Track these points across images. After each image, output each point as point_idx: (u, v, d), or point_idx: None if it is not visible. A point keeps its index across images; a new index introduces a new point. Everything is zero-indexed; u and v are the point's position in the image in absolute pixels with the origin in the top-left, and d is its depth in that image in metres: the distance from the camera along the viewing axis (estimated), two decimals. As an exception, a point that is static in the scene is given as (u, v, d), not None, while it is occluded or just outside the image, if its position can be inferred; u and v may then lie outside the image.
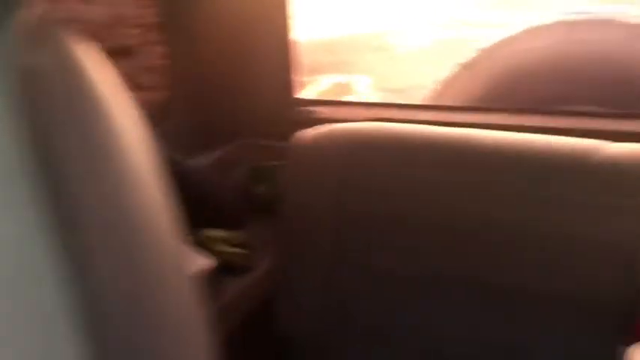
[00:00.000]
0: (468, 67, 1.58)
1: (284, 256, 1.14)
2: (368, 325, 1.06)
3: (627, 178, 0.92)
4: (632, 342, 0.78)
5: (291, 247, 1.13)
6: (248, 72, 1.43)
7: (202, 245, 1.18)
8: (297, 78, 1.46)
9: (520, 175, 0.97)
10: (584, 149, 0.96)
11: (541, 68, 1.53)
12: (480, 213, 0.99)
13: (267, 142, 1.48)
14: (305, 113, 1.43)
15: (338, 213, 1.07)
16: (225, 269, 1.15)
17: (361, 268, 1.06)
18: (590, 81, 1.43)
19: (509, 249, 0.97)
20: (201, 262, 1.07)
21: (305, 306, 1.11)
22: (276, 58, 1.40)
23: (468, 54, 1.64)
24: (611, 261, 0.91)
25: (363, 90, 3.35)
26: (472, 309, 0.99)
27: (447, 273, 1.00)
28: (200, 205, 1.25)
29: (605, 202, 0.92)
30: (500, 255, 0.97)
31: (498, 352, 0.97)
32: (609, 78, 1.43)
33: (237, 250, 1.20)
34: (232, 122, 1.49)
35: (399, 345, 1.04)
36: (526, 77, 1.52)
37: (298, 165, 1.14)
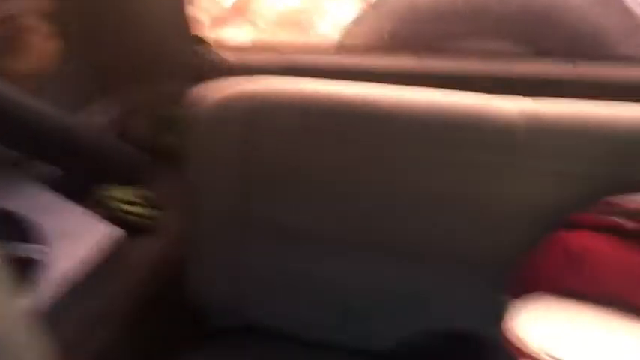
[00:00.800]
0: (375, 6, 1.54)
1: (190, 215, 1.11)
2: (277, 282, 1.07)
3: (518, 136, 0.93)
4: (513, 294, 0.83)
5: (197, 206, 1.11)
6: (143, 11, 1.33)
7: (104, 206, 1.13)
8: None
9: (417, 137, 0.98)
10: (476, 107, 0.97)
11: (448, 2, 1.51)
12: (380, 174, 1.00)
13: (171, 87, 1.42)
14: (210, 54, 1.36)
15: (245, 172, 1.05)
16: (130, 231, 1.10)
17: (268, 226, 1.06)
18: (501, 15, 1.43)
19: (409, 209, 0.98)
20: (107, 231, 1.03)
21: (214, 267, 1.10)
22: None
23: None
24: (498, 219, 0.94)
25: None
26: (374, 264, 1.01)
27: (350, 231, 1.02)
28: (99, 161, 1.19)
29: (496, 161, 0.93)
30: (401, 215, 0.99)
31: (398, 302, 1.01)
32: (521, 11, 1.43)
33: (143, 209, 1.16)
34: (131, 66, 1.40)
35: (309, 300, 1.06)
36: (432, 13, 1.50)
37: (202, 120, 1.10)
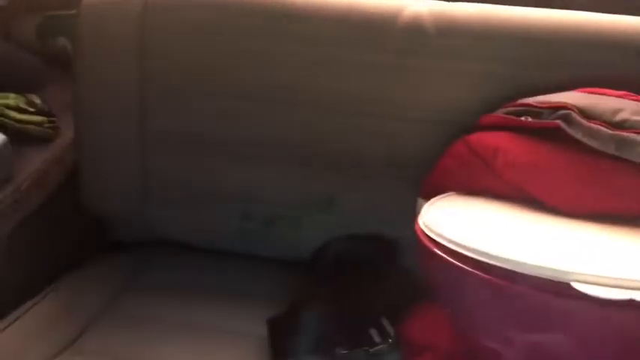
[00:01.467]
0: None
1: (83, 125, 1.04)
2: (176, 193, 1.03)
3: (429, 38, 0.92)
4: (426, 195, 0.85)
5: (90, 111, 1.03)
6: None
7: (-9, 115, 1.05)
8: None
9: (326, 38, 0.94)
10: (387, 9, 0.94)
11: None
12: (287, 75, 0.95)
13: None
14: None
15: (139, 76, 0.98)
16: (21, 140, 1.03)
17: (168, 135, 1.00)
18: None
19: (317, 113, 0.95)
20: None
21: (111, 178, 1.05)
22: None
23: None
24: (415, 122, 0.93)
25: None
26: (280, 171, 0.99)
27: (254, 136, 0.98)
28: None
29: (408, 64, 0.92)
30: (308, 119, 0.96)
31: (306, 209, 0.99)
32: None
33: (34, 117, 1.07)
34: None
35: (212, 209, 1.03)
36: None
37: (90, 22, 1.00)
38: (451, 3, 0.96)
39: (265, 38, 0.96)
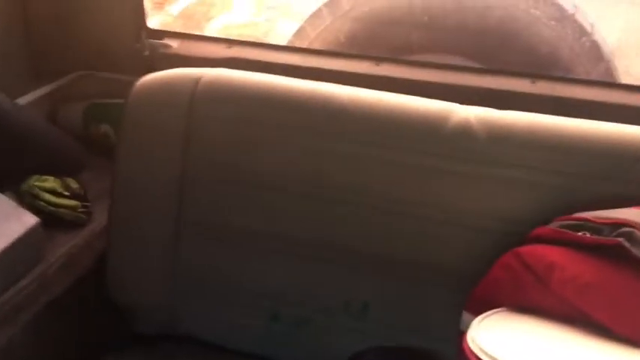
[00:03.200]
0: (330, 5, 1.51)
1: (119, 211, 1.02)
2: (207, 286, 0.99)
3: (479, 144, 0.90)
4: (473, 310, 0.79)
5: (126, 200, 1.02)
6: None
7: (26, 196, 1.04)
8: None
9: (371, 137, 0.93)
10: (436, 112, 0.93)
11: (406, 13, 1.50)
12: (328, 175, 0.94)
13: (111, 76, 1.33)
14: (155, 46, 1.29)
15: (181, 166, 0.97)
16: (54, 224, 1.02)
17: (204, 227, 0.98)
18: (456, 31, 1.43)
19: (358, 213, 0.93)
20: (23, 220, 0.94)
21: (140, 268, 1.02)
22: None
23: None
24: (461, 228, 0.89)
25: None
26: (311, 270, 0.95)
27: (288, 233, 0.95)
28: (25, 149, 1.10)
29: (456, 169, 0.90)
30: (350, 219, 0.93)
31: (337, 315, 0.94)
32: (476, 28, 1.43)
33: (68, 201, 1.06)
34: (70, 52, 1.31)
35: (240, 307, 0.98)
36: (390, 21, 1.49)
37: (140, 108, 1.01)
38: (500, 111, 0.94)
39: (310, 135, 0.95)
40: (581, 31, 1.45)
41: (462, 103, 0.97)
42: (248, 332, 1.00)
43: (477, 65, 1.44)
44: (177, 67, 1.05)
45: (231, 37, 1.47)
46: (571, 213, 0.81)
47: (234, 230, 0.97)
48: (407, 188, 0.91)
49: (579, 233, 0.76)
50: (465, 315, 0.80)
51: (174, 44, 1.29)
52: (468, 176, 0.89)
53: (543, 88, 1.13)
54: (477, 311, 0.76)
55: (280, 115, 0.96)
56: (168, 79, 1.01)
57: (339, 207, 0.93)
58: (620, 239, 0.72)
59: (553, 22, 1.44)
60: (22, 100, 1.23)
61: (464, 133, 0.90)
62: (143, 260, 1.01)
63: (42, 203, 1.04)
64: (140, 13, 1.27)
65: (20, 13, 1.25)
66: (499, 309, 0.76)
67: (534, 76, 1.15)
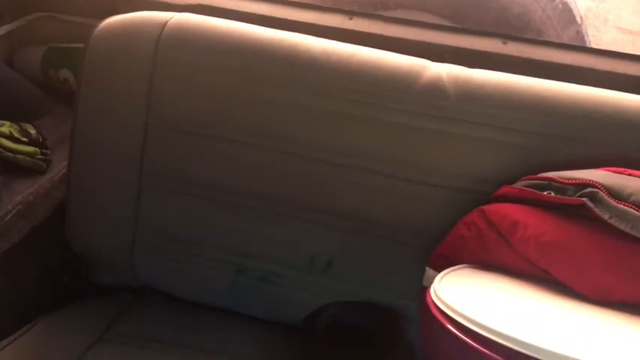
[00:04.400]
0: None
1: (78, 160, 0.98)
2: (169, 237, 0.97)
3: (449, 101, 0.89)
4: (436, 266, 0.80)
5: (87, 149, 0.98)
6: None
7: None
8: None
9: (344, 91, 0.90)
10: (409, 68, 0.92)
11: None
12: (296, 128, 0.92)
13: (71, 18, 1.28)
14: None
15: (144, 115, 0.94)
16: (10, 170, 0.99)
17: (166, 179, 0.95)
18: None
19: (326, 168, 0.91)
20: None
21: (99, 219, 0.99)
22: None
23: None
24: (428, 187, 0.89)
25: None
26: (277, 224, 0.93)
27: (252, 185, 0.93)
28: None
29: (426, 126, 0.89)
30: (316, 174, 0.91)
31: (302, 269, 0.94)
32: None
33: (26, 147, 1.03)
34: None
35: (202, 259, 0.97)
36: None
37: (102, 52, 0.97)
38: (472, 69, 0.94)
39: (277, 86, 0.92)
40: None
41: (434, 61, 0.95)
42: (212, 286, 0.98)
43: (450, 24, 1.42)
44: (141, 10, 1.00)
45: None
46: (537, 173, 0.81)
47: (196, 183, 0.94)
48: (376, 145, 0.90)
49: (544, 192, 0.77)
50: (429, 271, 0.81)
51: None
52: (438, 134, 0.88)
53: (514, 49, 1.12)
54: (440, 267, 0.77)
55: (247, 64, 0.92)
56: (132, 22, 0.96)
57: (303, 162, 0.91)
58: (584, 199, 0.72)
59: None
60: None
61: (435, 90, 0.89)
62: (102, 211, 0.98)
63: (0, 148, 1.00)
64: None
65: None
66: (462, 265, 0.77)
67: (506, 37, 1.15)
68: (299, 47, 0.93)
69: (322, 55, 0.92)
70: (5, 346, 0.88)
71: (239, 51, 0.93)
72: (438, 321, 0.64)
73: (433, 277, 0.74)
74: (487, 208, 0.80)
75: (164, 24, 0.94)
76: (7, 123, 1.04)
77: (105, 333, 0.94)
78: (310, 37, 0.97)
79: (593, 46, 1.74)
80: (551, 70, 1.08)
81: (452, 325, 0.62)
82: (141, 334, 0.94)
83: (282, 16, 1.17)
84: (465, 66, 0.95)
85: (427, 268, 0.80)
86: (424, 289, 0.73)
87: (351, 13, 1.19)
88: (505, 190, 0.81)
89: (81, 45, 1.01)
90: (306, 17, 1.18)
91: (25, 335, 0.91)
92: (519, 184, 0.81)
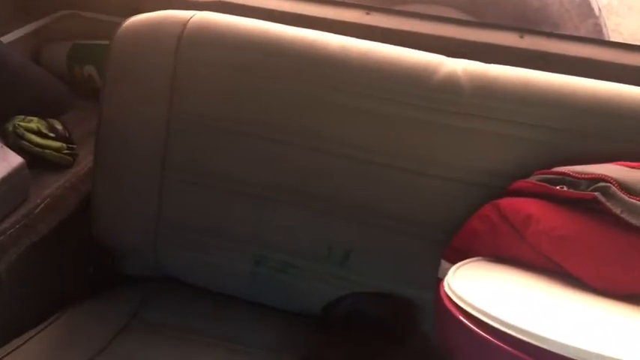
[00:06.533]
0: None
1: (104, 154, 1.02)
2: (189, 232, 1.00)
3: (464, 97, 0.90)
4: (451, 258, 0.81)
5: (112, 144, 1.01)
6: None
7: (11, 136, 1.04)
8: None
9: (361, 87, 0.92)
10: (425, 64, 0.93)
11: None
12: (315, 122, 0.94)
13: (96, 16, 1.31)
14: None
15: (166, 110, 0.97)
16: (38, 165, 1.03)
17: (188, 172, 0.98)
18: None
19: (344, 162, 0.93)
20: (8, 159, 0.93)
21: (124, 211, 1.02)
22: None
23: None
24: (444, 181, 0.90)
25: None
26: (298, 217, 0.96)
27: (275, 179, 0.96)
28: (8, 87, 1.08)
29: (442, 121, 0.90)
30: (335, 167, 0.94)
31: (321, 260, 0.96)
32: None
33: (53, 142, 1.06)
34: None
35: (224, 250, 1.00)
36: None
37: (125, 51, 1.00)
38: (487, 64, 0.95)
39: (297, 81, 0.94)
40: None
41: (451, 55, 0.97)
42: (231, 276, 1.01)
43: (468, 18, 1.42)
44: (162, 8, 1.03)
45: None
46: (551, 167, 0.82)
47: (216, 176, 0.97)
48: (392, 140, 0.91)
49: (557, 187, 0.78)
50: (443, 263, 0.82)
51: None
52: (454, 129, 0.90)
53: (531, 43, 1.12)
54: (455, 260, 0.78)
55: (266, 61, 0.95)
56: (155, 20, 0.99)
57: (323, 156, 0.94)
58: (596, 193, 0.73)
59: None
60: (6, 39, 1.20)
61: (451, 85, 0.90)
62: (127, 203, 1.02)
63: (27, 144, 1.03)
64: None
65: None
66: (476, 258, 0.79)
67: (523, 30, 1.15)
68: (317, 44, 0.95)
69: (340, 51, 0.94)
70: (33, 336, 0.92)
71: (258, 48, 0.96)
72: (450, 313, 0.66)
73: (447, 270, 0.76)
74: (501, 202, 0.81)
75: (185, 22, 0.97)
76: (35, 119, 1.08)
77: (130, 322, 0.97)
78: (328, 33, 0.99)
79: (617, 34, 1.72)
80: (568, 63, 1.09)
81: (464, 317, 0.64)
82: (165, 322, 0.98)
83: (301, 12, 1.19)
84: (483, 60, 0.97)
85: (442, 261, 0.82)
86: (439, 282, 0.75)
87: (369, 9, 1.20)
88: (519, 184, 0.83)
89: (105, 42, 1.05)
90: (324, 13, 1.20)
91: (52, 325, 0.95)
92: (533, 179, 0.82)
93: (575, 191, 0.76)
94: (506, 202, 0.81)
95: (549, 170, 0.82)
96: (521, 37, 1.13)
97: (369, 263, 0.95)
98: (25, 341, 0.90)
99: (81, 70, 1.27)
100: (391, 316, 0.92)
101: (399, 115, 0.91)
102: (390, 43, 0.98)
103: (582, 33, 1.49)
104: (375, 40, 0.99)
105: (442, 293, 0.69)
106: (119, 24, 1.01)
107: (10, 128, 1.05)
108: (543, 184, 0.79)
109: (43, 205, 0.98)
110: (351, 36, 1.00)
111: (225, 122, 0.96)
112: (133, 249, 1.03)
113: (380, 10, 1.21)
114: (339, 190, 0.94)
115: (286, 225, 0.97)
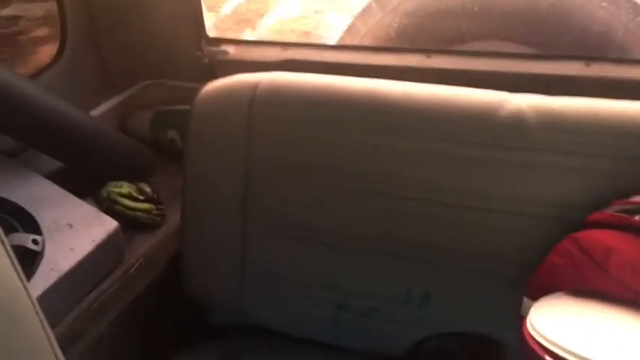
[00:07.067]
0: (380, 1, 1.52)
1: (190, 212, 1.08)
2: (277, 278, 1.04)
3: (531, 132, 0.91)
4: (532, 295, 0.81)
5: (196, 201, 1.08)
6: (154, 9, 1.32)
7: (105, 202, 1.12)
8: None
9: (426, 131, 0.95)
10: (488, 103, 0.94)
11: (455, 2, 1.50)
12: (385, 169, 0.97)
13: (174, 83, 1.40)
14: (214, 53, 1.35)
15: (244, 166, 1.02)
16: (131, 226, 1.10)
17: (269, 223, 1.03)
18: (506, 17, 1.42)
19: (416, 205, 0.96)
20: (104, 224, 1.01)
21: (211, 265, 1.08)
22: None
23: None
24: (517, 217, 0.91)
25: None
26: (376, 262, 0.98)
27: (353, 226, 0.99)
28: (101, 157, 1.18)
29: (510, 158, 0.91)
30: (407, 211, 0.96)
31: (403, 304, 0.97)
32: (527, 13, 1.42)
33: (143, 205, 1.14)
34: (136, 63, 1.39)
35: (308, 297, 1.03)
36: (440, 9, 1.49)
37: (203, 113, 1.07)
38: (552, 97, 0.95)
39: (361, 131, 0.98)
40: (636, 11, 1.41)
41: (515, 90, 0.98)
42: (315, 322, 1.04)
43: (529, 50, 1.42)
44: (235, 71, 1.10)
45: (285, 40, 1.51)
46: (627, 197, 0.81)
47: (295, 226, 1.01)
48: (463, 180, 0.93)
49: (636, 217, 0.77)
50: (526, 301, 0.82)
51: (231, 50, 1.35)
52: (523, 165, 0.90)
53: (598, 70, 1.12)
54: (537, 297, 0.78)
55: (332, 113, 0.99)
56: (228, 85, 1.06)
57: (398, 201, 0.96)
58: (678, 222, 0.72)
59: (605, 3, 1.41)
60: (96, 112, 1.31)
61: (516, 122, 0.91)
62: (214, 257, 1.07)
63: (120, 207, 1.12)
64: (200, 24, 1.33)
65: (89, 35, 1.33)
66: (558, 293, 0.78)
67: (588, 58, 1.14)
68: (377, 92, 0.99)
69: (401, 98, 0.97)
70: None
71: (323, 102, 1.00)
72: (535, 353, 0.66)
73: (530, 307, 0.75)
74: (579, 235, 0.81)
75: (256, 85, 1.03)
76: (126, 184, 1.16)
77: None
78: (388, 81, 1.02)
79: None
80: (638, 88, 1.07)
81: (550, 356, 0.64)
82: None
83: (363, 62, 1.24)
84: (549, 93, 0.97)
85: (524, 298, 0.82)
86: (522, 320, 0.75)
87: (428, 52, 1.23)
88: (596, 216, 0.82)
89: (184, 107, 1.12)
90: (386, 60, 1.24)
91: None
92: (609, 210, 0.81)
93: (654, 221, 0.75)
94: (585, 235, 0.80)
95: (625, 200, 0.81)
96: (588, 65, 1.12)
97: (450, 303, 0.96)
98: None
99: (164, 134, 1.36)
100: (475, 357, 0.92)
101: (469, 155, 0.92)
102: (453, 84, 1.00)
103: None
104: (437, 82, 1.01)
105: (525, 332, 0.69)
106: (197, 91, 1.08)
107: (104, 194, 1.13)
108: (620, 214, 0.79)
109: (137, 265, 1.05)
110: (414, 80, 1.02)
111: (298, 174, 1.00)
112: (220, 300, 1.08)
113: (439, 52, 1.24)
114: (413, 233, 0.96)
115: (365, 271, 0.99)
